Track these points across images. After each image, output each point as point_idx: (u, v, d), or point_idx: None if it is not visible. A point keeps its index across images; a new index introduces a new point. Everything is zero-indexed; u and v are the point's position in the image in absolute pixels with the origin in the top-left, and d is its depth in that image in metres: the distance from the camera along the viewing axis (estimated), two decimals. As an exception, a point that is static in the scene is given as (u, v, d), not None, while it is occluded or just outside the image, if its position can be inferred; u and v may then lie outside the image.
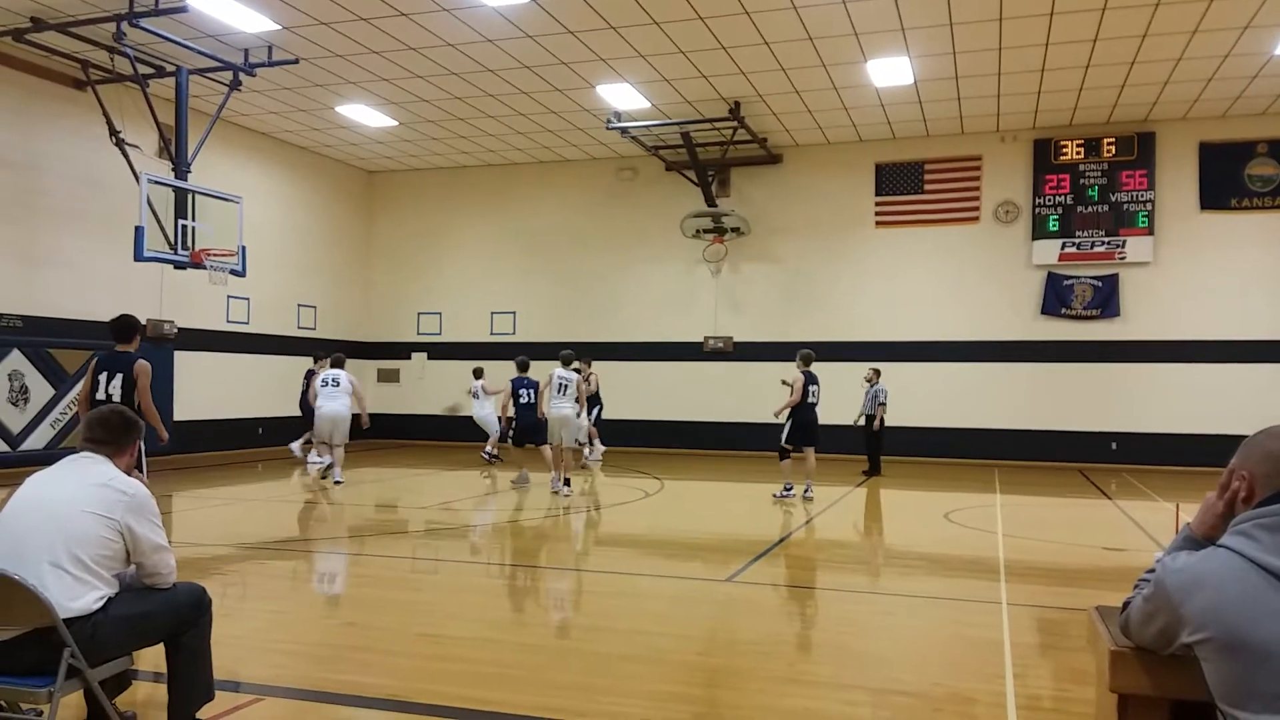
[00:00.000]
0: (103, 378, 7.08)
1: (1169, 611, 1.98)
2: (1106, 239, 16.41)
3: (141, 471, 7.30)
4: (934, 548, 8.86)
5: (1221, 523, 2.07)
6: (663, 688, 4.49)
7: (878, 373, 14.94)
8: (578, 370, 12.14)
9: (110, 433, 3.47)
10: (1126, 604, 2.20)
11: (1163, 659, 2.08)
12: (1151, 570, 2.11)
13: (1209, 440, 15.24)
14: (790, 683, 4.56)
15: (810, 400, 11.50)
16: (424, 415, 19.74)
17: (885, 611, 6.34)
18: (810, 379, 11.51)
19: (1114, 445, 16.39)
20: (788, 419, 11.49)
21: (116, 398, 6.99)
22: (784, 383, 11.92)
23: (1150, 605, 2.05)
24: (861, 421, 14.73)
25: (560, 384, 11.75)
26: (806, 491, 11.54)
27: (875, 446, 14.74)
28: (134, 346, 7.30)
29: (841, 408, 17.54)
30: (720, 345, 18.29)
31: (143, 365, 7.18)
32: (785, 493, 11.37)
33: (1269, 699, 1.75)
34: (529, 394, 12.41)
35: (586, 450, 15.81)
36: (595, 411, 15.90)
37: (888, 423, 14.63)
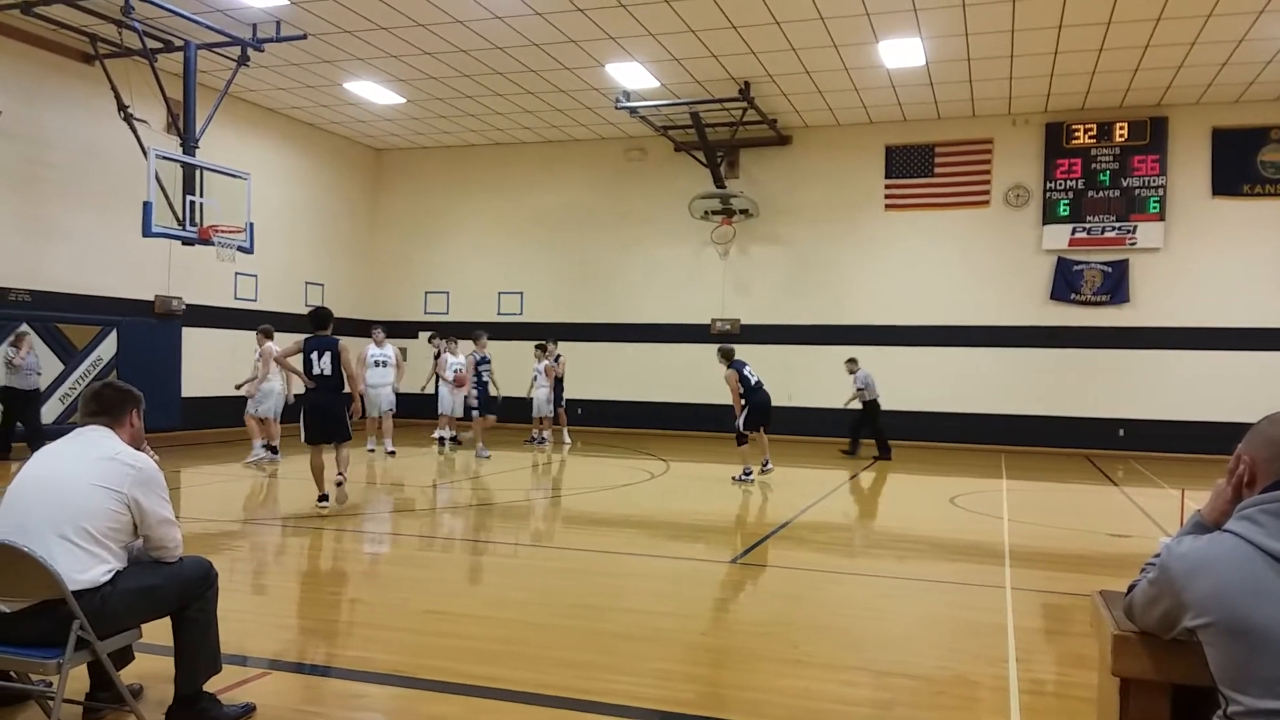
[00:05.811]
0: (314, 356, 8.60)
1: (1172, 595, 1.98)
2: (1117, 224, 16.30)
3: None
4: (939, 532, 8.88)
5: (1231, 509, 2.06)
6: (666, 667, 4.51)
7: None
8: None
9: (104, 404, 3.51)
10: (1131, 588, 2.20)
11: (1165, 643, 2.08)
12: (1157, 555, 2.11)
13: (1217, 428, 15.17)
14: (793, 664, 4.58)
15: (754, 383, 11.61)
16: (431, 395, 19.70)
17: (889, 594, 6.36)
18: (741, 366, 11.64)
19: (1121, 432, 16.35)
20: (743, 408, 11.58)
21: (328, 372, 8.54)
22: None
23: (1154, 589, 2.05)
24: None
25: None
26: (766, 465, 11.82)
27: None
28: (330, 331, 8.81)
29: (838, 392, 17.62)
30: (727, 327, 18.25)
31: (345, 343, 8.78)
32: (745, 477, 11.43)
33: (1271, 683, 1.75)
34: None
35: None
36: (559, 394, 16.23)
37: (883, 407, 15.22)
